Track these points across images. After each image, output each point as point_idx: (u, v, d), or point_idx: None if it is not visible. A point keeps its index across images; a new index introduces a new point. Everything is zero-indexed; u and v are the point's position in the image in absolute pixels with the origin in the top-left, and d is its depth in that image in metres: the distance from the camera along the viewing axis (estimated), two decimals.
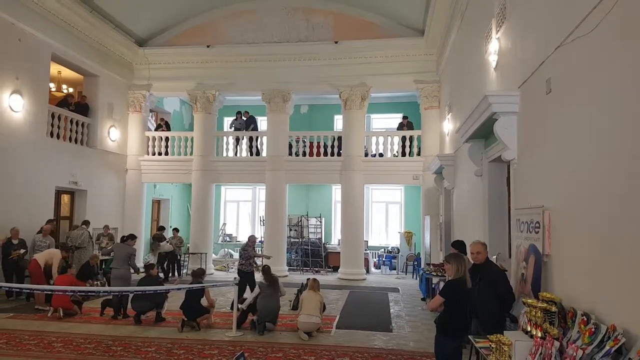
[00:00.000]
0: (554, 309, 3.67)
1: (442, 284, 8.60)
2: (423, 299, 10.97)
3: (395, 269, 16.65)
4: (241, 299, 9.25)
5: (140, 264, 12.68)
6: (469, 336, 4.57)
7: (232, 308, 8.19)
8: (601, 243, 3.48)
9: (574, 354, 3.07)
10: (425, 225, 13.96)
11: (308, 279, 9.25)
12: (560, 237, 4.29)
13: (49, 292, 8.39)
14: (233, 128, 16.46)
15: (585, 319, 3.33)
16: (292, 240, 17.00)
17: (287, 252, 15.88)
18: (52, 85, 13.44)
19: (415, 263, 15.83)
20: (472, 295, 4.60)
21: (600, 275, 3.47)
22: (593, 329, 3.14)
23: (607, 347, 2.87)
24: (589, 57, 3.80)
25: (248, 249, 10.25)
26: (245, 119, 16.19)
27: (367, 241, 16.10)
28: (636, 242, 2.98)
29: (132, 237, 9.50)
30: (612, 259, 3.30)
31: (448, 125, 12.10)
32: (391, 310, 9.85)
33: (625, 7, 3.18)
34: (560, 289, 4.20)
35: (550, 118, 4.63)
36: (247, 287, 9.91)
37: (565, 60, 4.26)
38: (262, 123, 16.43)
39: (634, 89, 3.10)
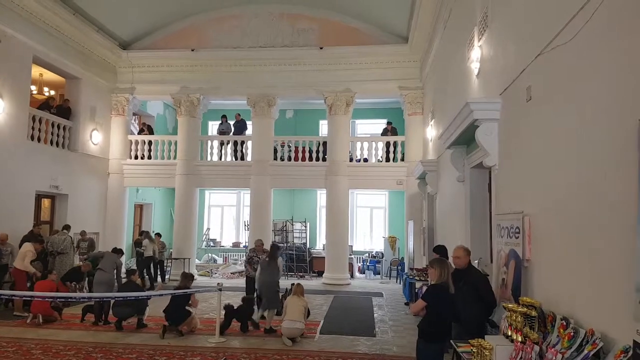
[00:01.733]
0: (533, 313, 3.73)
1: (425, 289, 8.69)
2: (407, 304, 11.02)
3: (379, 274, 16.71)
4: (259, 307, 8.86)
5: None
6: (451, 341, 4.61)
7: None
8: (579, 248, 3.56)
9: (554, 358, 3.11)
10: (409, 230, 14.05)
11: (292, 284, 9.23)
12: (540, 242, 4.36)
13: (29, 298, 8.23)
14: (218, 132, 16.39)
15: (565, 323, 3.38)
16: (277, 245, 16.90)
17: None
18: (33, 87, 13.24)
19: (399, 268, 15.91)
20: (455, 299, 4.66)
21: (578, 280, 3.54)
22: (572, 333, 3.20)
23: (586, 351, 2.92)
24: (567, 65, 3.89)
25: (255, 255, 9.74)
26: (232, 122, 16.13)
27: (351, 246, 16.13)
28: (612, 247, 3.05)
29: (120, 252, 9.56)
30: (589, 263, 3.37)
31: (431, 131, 12.23)
32: (375, 315, 9.88)
33: (602, 17, 3.26)
34: (540, 293, 4.27)
35: (530, 125, 4.72)
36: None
37: (545, 68, 4.35)
38: (249, 127, 16.38)
39: (609, 97, 3.18)
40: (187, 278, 8.38)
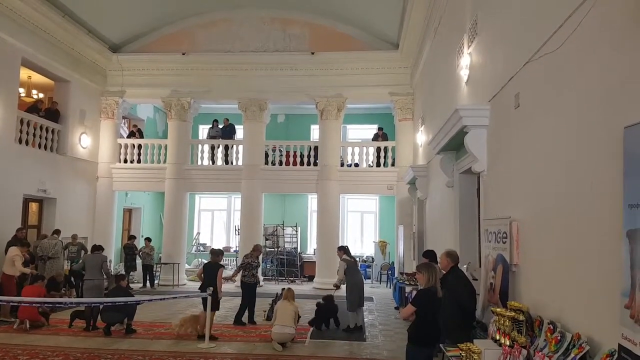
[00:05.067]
0: (521, 317, 3.76)
1: (415, 293, 8.73)
2: (397, 308, 11.06)
3: (369, 278, 16.73)
4: (251, 314, 9.29)
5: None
6: (440, 345, 4.64)
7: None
8: (566, 253, 3.60)
9: None
10: (399, 235, 14.11)
11: (283, 289, 9.26)
12: (528, 247, 4.42)
13: (16, 304, 8.14)
14: (208, 136, 16.36)
15: (552, 327, 3.42)
16: (268, 249, 16.91)
17: (262, 262, 15.76)
18: (21, 90, 13.11)
19: (390, 272, 15.96)
20: (442, 303, 4.69)
21: (565, 285, 3.59)
22: (559, 337, 3.24)
23: (572, 355, 2.96)
24: (554, 73, 3.95)
25: (252, 259, 9.65)
26: (221, 127, 16.10)
27: None
28: (598, 252, 3.10)
29: (100, 248, 9.37)
30: (576, 269, 3.42)
31: (421, 137, 12.31)
32: (365, 320, 9.89)
33: (590, 26, 3.33)
34: (527, 297, 4.31)
35: (518, 132, 4.78)
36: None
37: (533, 76, 4.42)
38: (239, 132, 16.37)
39: (595, 105, 3.24)
40: (216, 254, 8.69)
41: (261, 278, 15.07)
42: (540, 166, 4.21)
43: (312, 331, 8.69)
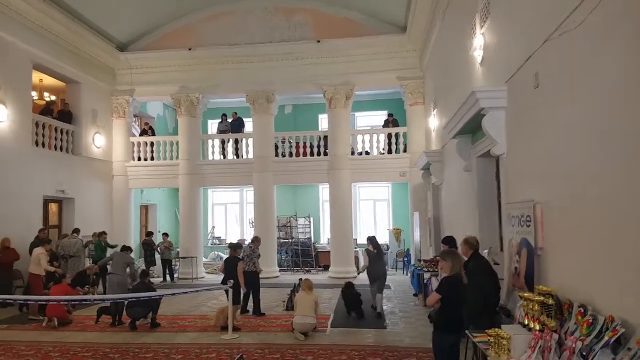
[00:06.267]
0: (550, 301, 3.74)
1: (433, 280, 8.73)
2: (415, 295, 11.07)
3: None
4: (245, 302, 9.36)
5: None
6: (466, 331, 4.63)
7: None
8: (595, 234, 3.54)
9: (573, 345, 3.14)
10: (415, 222, 14.06)
11: (300, 279, 9.33)
12: (553, 229, 4.37)
13: (44, 303, 8.31)
14: (217, 131, 16.39)
15: (582, 310, 3.40)
16: (282, 241, 17.00)
17: (277, 253, 15.86)
18: (33, 93, 13.22)
19: (405, 259, 15.95)
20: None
21: (595, 267, 3.54)
22: (590, 320, 3.21)
23: (606, 338, 2.93)
24: (576, 50, 3.87)
25: (250, 251, 9.73)
26: (230, 121, 16.12)
27: (356, 239, 16.17)
28: (632, 232, 3.04)
29: (129, 249, 9.70)
30: (607, 250, 3.36)
31: (434, 121, 12.20)
32: (385, 307, 9.90)
33: (611, 1, 3.25)
34: (554, 281, 4.28)
35: (539, 112, 4.70)
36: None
37: (553, 54, 4.32)
38: (247, 125, 16.37)
39: (621, 82, 3.17)
40: (234, 248, 9.06)
41: (277, 269, 15.23)
42: (563, 146, 4.13)
43: (333, 319, 8.75)
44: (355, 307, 9.08)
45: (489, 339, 3.93)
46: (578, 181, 3.85)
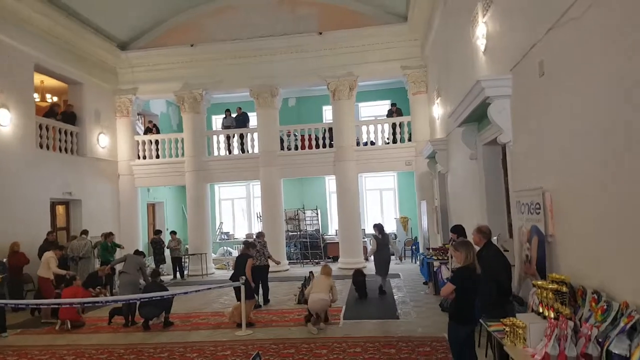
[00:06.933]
0: (564, 289, 3.75)
1: (443, 268, 8.75)
2: (425, 283, 11.11)
3: (393, 255, 16.78)
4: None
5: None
6: (480, 320, 4.66)
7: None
8: (606, 220, 3.53)
9: (589, 332, 3.15)
10: (422, 210, 14.07)
11: (311, 272, 9.38)
12: (563, 216, 4.36)
13: (57, 306, 8.40)
14: (222, 126, 16.40)
15: (596, 297, 3.41)
16: (290, 233, 17.07)
17: (286, 246, 15.93)
18: (35, 95, 13.26)
19: (414, 247, 15.99)
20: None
21: (608, 252, 3.53)
22: (605, 307, 3.22)
23: (622, 324, 2.95)
24: (582, 38, 3.84)
25: (261, 244, 10.24)
26: (235, 116, 16.12)
27: (363, 229, 16.22)
28: None
29: (142, 254, 9.89)
30: (620, 235, 3.35)
31: (438, 110, 12.16)
32: (395, 297, 9.97)
33: None
34: (566, 268, 4.29)
35: (545, 100, 4.69)
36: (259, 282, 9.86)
37: (558, 42, 4.29)
38: (252, 119, 16.36)
39: (628, 69, 3.15)
40: (247, 246, 9.24)
41: (286, 262, 15.30)
42: (570, 134, 4.12)
43: (345, 311, 8.81)
44: (360, 289, 10.05)
45: (504, 328, 3.95)
46: (587, 168, 3.84)
